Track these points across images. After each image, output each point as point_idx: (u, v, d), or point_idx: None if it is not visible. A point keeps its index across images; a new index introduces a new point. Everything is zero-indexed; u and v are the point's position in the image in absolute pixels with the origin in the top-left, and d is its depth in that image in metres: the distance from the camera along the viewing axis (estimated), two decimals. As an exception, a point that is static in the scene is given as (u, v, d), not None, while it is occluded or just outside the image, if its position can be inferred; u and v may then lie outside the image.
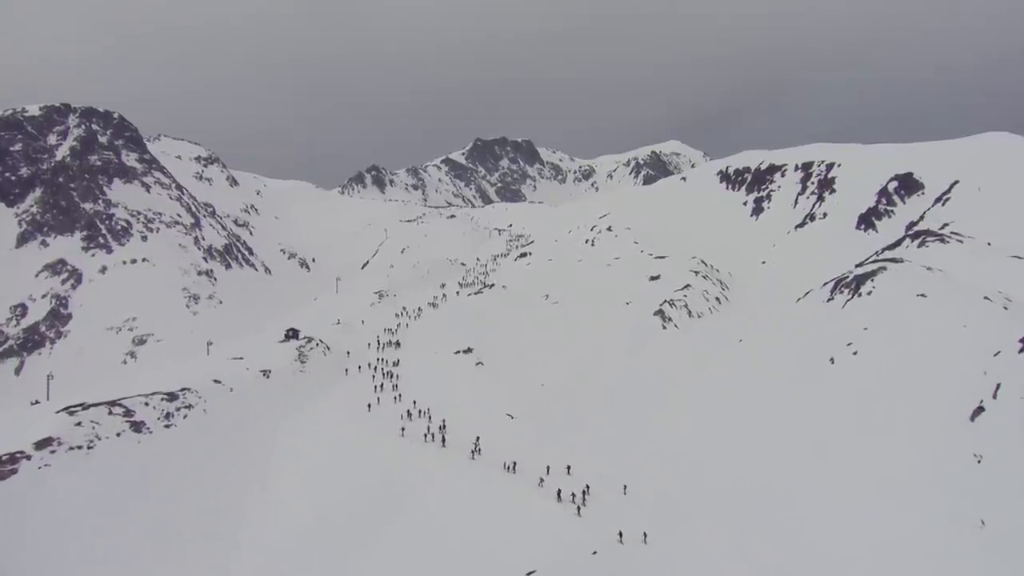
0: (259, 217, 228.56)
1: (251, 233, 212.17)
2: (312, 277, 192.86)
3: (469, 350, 76.41)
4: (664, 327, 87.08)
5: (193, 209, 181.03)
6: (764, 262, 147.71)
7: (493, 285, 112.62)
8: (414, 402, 65.98)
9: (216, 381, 62.01)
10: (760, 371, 65.29)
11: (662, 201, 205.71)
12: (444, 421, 59.62)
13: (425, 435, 57.03)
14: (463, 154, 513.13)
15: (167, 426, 53.33)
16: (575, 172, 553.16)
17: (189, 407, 56.47)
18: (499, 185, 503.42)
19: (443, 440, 55.92)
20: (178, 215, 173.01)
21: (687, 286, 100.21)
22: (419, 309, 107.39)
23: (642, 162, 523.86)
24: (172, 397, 56.54)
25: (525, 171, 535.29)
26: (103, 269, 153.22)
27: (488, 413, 61.69)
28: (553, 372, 72.82)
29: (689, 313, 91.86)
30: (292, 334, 78.30)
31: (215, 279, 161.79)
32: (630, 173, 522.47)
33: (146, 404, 53.97)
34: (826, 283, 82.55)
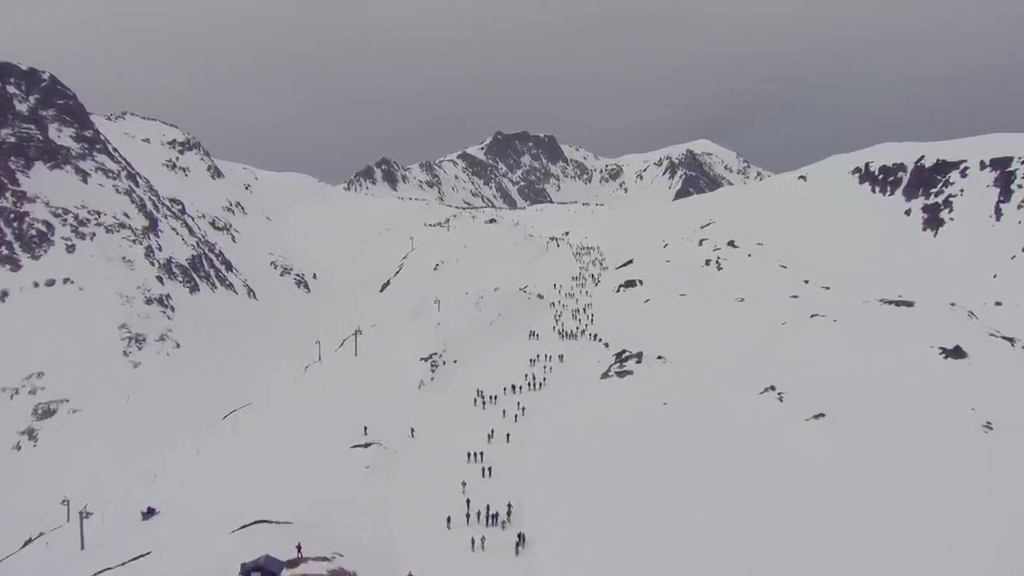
0: (246, 218, 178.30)
1: (233, 239, 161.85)
2: (312, 302, 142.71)
3: None
4: None
5: (149, 207, 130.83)
6: (999, 303, 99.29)
7: (640, 355, 62.36)
8: None
9: None
10: None
11: (777, 206, 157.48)
12: None
13: None
14: (482, 148, 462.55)
15: None
16: (601, 171, 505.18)
17: None
18: (522, 184, 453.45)
19: None
20: (126, 215, 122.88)
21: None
22: (515, 390, 59.32)
23: (676, 161, 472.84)
24: None
25: (548, 169, 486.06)
26: (3, 295, 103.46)
27: None
28: None
29: None
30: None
31: (172, 309, 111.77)
32: (663, 173, 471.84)
33: None
34: None
